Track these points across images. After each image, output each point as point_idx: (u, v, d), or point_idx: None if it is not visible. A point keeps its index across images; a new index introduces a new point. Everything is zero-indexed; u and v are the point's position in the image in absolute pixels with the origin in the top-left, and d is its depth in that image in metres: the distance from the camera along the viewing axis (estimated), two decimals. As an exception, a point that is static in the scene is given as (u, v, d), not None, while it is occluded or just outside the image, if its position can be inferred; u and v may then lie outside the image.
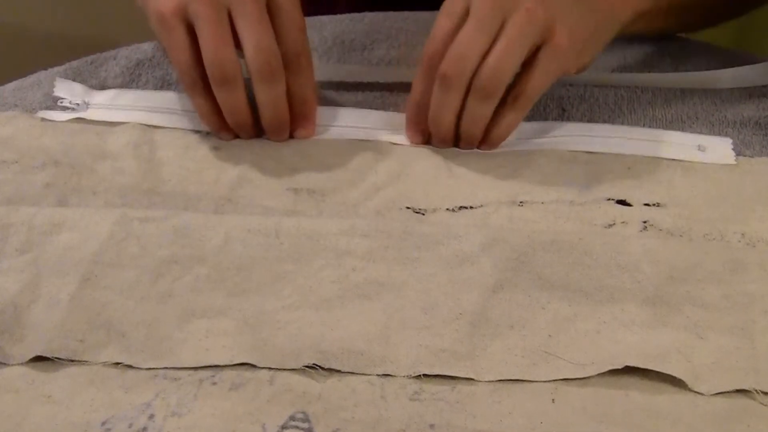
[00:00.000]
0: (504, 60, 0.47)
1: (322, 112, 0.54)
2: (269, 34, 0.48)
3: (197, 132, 0.53)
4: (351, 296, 0.40)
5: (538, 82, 0.49)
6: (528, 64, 0.48)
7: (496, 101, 0.48)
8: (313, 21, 0.64)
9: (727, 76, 0.58)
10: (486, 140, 0.51)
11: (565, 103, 0.57)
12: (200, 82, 0.49)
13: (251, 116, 0.51)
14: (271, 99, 0.49)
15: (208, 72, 0.47)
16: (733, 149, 0.51)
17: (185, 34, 0.48)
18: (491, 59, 0.47)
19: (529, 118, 0.54)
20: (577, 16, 0.49)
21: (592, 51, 0.52)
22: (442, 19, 0.48)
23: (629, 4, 0.53)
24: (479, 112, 0.49)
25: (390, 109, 0.55)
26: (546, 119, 0.55)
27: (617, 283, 0.41)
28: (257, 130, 0.52)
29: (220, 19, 0.47)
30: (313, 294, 0.41)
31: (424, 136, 0.52)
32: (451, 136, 0.51)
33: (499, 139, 0.51)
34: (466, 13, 0.47)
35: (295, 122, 0.52)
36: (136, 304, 0.40)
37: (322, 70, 0.57)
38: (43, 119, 0.53)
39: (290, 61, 0.49)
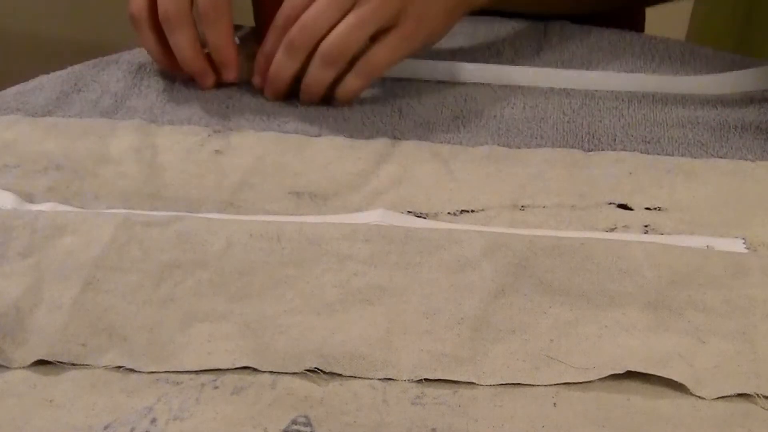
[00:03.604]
0: (349, 34, 0.52)
1: None
2: None
3: (198, 136, 0.53)
4: (353, 301, 0.40)
5: (384, 58, 0.54)
6: (376, 39, 0.53)
7: (337, 69, 0.54)
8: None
9: (729, 81, 0.58)
10: (331, 100, 0.56)
11: (565, 107, 0.57)
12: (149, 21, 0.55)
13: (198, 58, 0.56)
14: (176, 45, 0.55)
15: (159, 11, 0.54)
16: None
17: None
18: (337, 31, 0.52)
19: (528, 120, 0.54)
20: (430, 3, 0.54)
21: (441, 33, 0.57)
22: None
23: None
24: (320, 76, 0.54)
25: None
26: (547, 122, 0.55)
27: (619, 287, 0.41)
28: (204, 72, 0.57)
29: None
30: (315, 298, 0.41)
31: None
32: (283, 92, 0.56)
33: (342, 101, 0.56)
34: None
35: (217, 68, 0.57)
36: (138, 308, 0.40)
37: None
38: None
39: (203, 12, 0.54)
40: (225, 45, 0.56)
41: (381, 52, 0.54)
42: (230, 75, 0.57)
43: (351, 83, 0.55)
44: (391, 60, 0.55)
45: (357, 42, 0.52)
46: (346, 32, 0.52)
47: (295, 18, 0.52)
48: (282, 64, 0.54)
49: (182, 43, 0.55)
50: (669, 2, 0.65)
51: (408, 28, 0.53)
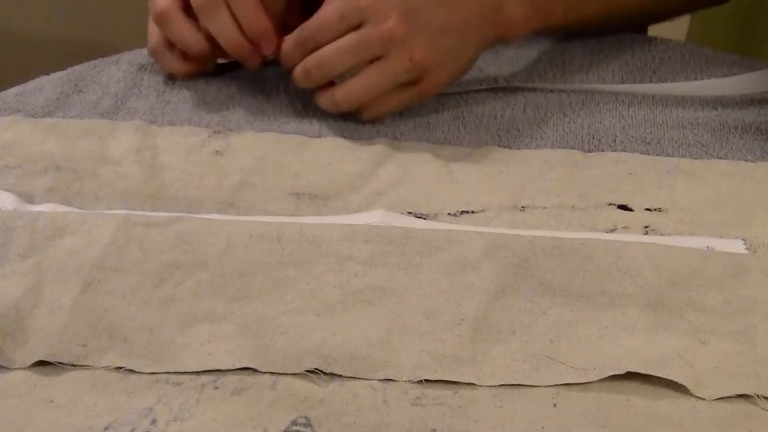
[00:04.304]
0: (367, 91, 0.52)
1: None
2: None
3: (199, 137, 0.53)
4: (353, 301, 0.40)
5: (395, 107, 0.54)
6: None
7: (348, 111, 0.54)
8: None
9: (729, 85, 0.58)
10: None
11: (566, 108, 0.57)
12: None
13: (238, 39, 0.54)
14: (219, 30, 0.53)
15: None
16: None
17: None
18: (355, 84, 0.51)
19: (528, 121, 0.54)
20: (450, 61, 0.53)
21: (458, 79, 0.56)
22: (336, 16, 0.50)
23: (517, 31, 0.55)
24: (329, 108, 0.54)
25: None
26: (547, 122, 0.55)
27: (619, 288, 0.41)
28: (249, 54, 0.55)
29: None
30: (315, 299, 0.41)
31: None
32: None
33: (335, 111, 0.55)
34: (357, 26, 0.50)
35: (256, 46, 0.54)
36: (138, 309, 0.40)
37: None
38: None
39: None
40: (257, 17, 0.53)
41: (393, 101, 0.53)
42: (269, 47, 0.55)
43: (362, 117, 0.54)
44: (401, 108, 0.55)
45: (373, 97, 0.52)
46: (365, 88, 0.52)
47: (315, 43, 0.51)
48: (295, 80, 0.54)
49: (224, 26, 0.53)
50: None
51: (429, 86, 0.53)
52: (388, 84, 0.52)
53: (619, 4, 0.61)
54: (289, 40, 0.53)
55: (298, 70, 0.53)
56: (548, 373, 0.38)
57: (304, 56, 0.52)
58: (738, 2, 0.65)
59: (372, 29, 0.50)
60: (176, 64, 0.58)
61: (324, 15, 0.51)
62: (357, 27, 0.50)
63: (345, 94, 0.52)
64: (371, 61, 0.51)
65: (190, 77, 0.59)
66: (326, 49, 0.51)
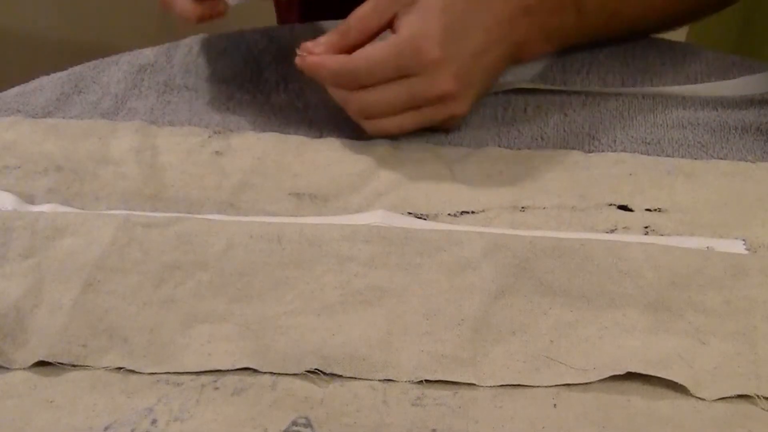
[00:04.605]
0: (400, 127, 0.51)
1: None
2: None
3: (199, 137, 0.53)
4: (353, 302, 0.40)
5: (415, 127, 0.52)
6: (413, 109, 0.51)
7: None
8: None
9: (729, 86, 0.58)
10: None
11: (566, 109, 0.57)
12: None
13: None
14: None
15: None
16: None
17: None
18: (392, 122, 0.51)
19: (529, 121, 0.54)
20: (485, 85, 0.53)
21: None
22: (392, 65, 0.49)
23: (535, 53, 0.56)
24: (357, 121, 0.52)
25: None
26: (547, 123, 0.55)
27: (619, 288, 0.41)
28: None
29: None
30: (316, 299, 0.41)
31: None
32: None
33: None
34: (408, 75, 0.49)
35: None
36: (138, 309, 0.40)
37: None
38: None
39: None
40: None
41: (414, 122, 0.53)
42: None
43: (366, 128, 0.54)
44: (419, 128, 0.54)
45: (405, 132, 0.52)
46: (398, 129, 0.51)
47: (359, 82, 0.50)
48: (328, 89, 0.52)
49: None
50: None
51: (449, 123, 0.53)
52: (419, 126, 0.52)
53: (629, 27, 0.62)
54: (330, 66, 0.50)
55: (334, 93, 0.51)
56: (548, 373, 0.38)
57: (341, 86, 0.51)
58: (738, 3, 0.65)
59: (426, 88, 0.49)
60: (188, 6, 0.54)
61: (379, 59, 0.49)
62: (408, 75, 0.49)
63: (376, 128, 0.52)
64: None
65: (203, 20, 0.55)
66: (372, 96, 0.50)
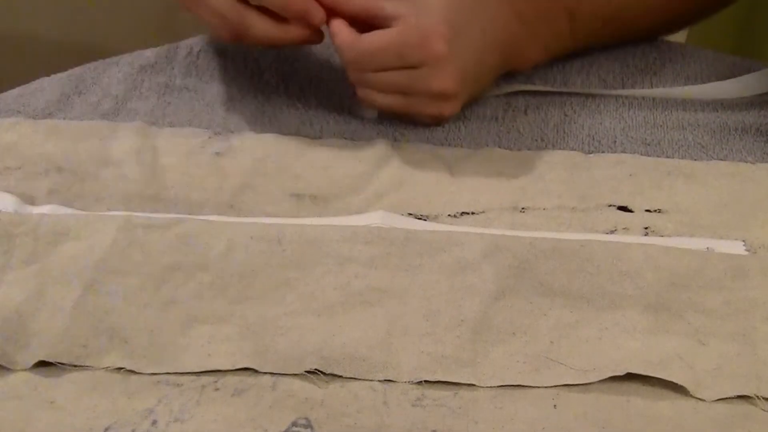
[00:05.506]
0: (400, 108, 0.52)
1: None
2: None
3: (199, 138, 0.53)
4: (353, 303, 0.40)
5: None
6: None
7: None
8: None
9: (729, 87, 0.58)
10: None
11: (567, 109, 0.57)
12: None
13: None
14: None
15: None
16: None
17: None
18: (393, 100, 0.51)
19: (529, 122, 0.54)
20: (477, 89, 0.54)
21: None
22: (394, 53, 0.49)
23: (528, 60, 0.57)
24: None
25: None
26: (547, 124, 0.55)
27: (619, 289, 0.41)
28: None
29: None
30: (316, 300, 0.41)
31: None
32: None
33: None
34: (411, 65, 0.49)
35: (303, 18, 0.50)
36: (139, 310, 0.40)
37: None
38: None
39: None
40: None
41: (403, 106, 0.53)
42: (318, 16, 0.50)
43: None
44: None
45: (390, 110, 0.53)
46: (388, 107, 0.52)
47: (364, 65, 0.50)
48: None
49: None
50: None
51: (446, 114, 0.53)
52: (406, 111, 0.53)
53: (624, 33, 0.62)
54: (346, 47, 0.49)
55: (340, 54, 0.51)
56: (548, 374, 0.38)
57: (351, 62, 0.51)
58: (738, 3, 0.65)
59: (426, 81, 0.50)
60: (271, 29, 0.50)
61: (383, 45, 0.49)
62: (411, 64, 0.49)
63: (365, 95, 0.52)
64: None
65: (287, 45, 0.53)
66: (375, 78, 0.50)
